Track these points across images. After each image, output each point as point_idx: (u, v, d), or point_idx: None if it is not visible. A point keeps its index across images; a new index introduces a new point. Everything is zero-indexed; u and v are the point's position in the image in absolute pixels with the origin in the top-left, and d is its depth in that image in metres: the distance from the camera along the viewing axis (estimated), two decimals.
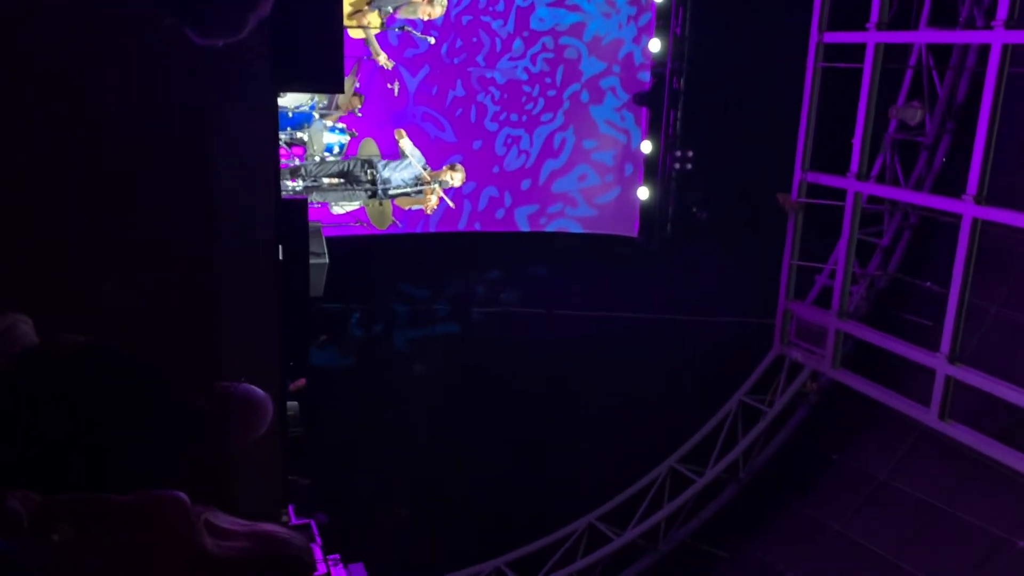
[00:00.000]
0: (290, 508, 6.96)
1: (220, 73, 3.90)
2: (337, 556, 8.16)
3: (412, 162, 7.63)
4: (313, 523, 7.57)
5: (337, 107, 8.06)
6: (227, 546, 2.11)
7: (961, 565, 7.86)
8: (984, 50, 8.22)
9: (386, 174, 7.55)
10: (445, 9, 7.67)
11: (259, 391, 2.67)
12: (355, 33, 7.38)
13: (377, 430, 9.94)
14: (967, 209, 7.91)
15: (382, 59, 7.58)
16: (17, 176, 3.51)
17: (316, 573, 6.18)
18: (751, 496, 10.12)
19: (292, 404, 7.31)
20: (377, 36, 7.66)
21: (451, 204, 8.01)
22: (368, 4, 7.29)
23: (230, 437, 2.63)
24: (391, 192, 7.60)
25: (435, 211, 8.35)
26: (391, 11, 7.42)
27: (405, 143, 7.70)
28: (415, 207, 8.04)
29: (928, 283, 9.07)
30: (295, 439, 7.10)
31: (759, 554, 9.57)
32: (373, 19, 7.26)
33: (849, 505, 9.05)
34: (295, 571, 2.22)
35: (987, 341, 8.48)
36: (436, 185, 7.66)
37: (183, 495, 2.10)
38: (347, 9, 7.11)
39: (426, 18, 7.56)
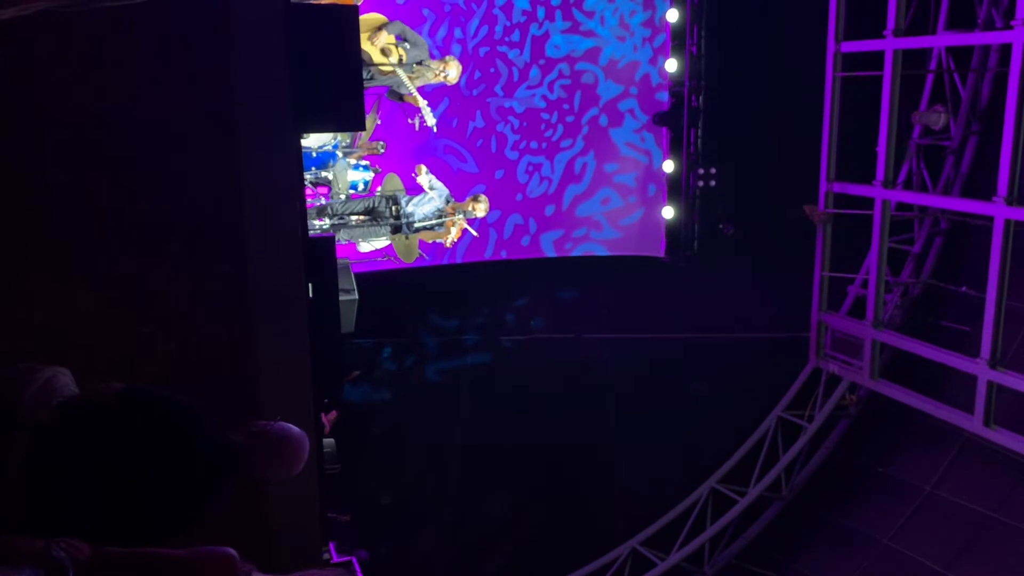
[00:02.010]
0: (331, 546, 6.95)
1: (243, 118, 3.98)
2: None
3: (434, 196, 7.68)
4: (355, 560, 7.56)
5: (361, 148, 8.14)
6: None
7: (1016, 575, 7.65)
8: (1005, 50, 8.13)
9: (409, 209, 7.61)
10: (460, 71, 7.66)
11: (295, 428, 2.69)
12: (385, 68, 7.33)
13: (414, 462, 9.93)
14: (999, 211, 7.79)
15: (419, 100, 7.46)
16: (48, 227, 3.59)
17: None
18: (796, 513, 9.95)
19: (329, 441, 7.34)
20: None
21: (474, 233, 8.02)
22: (384, 27, 7.29)
23: (268, 475, 2.64)
24: (415, 226, 7.65)
25: (459, 242, 8.38)
26: (417, 59, 7.39)
27: (424, 179, 7.75)
28: (436, 240, 8.07)
29: (964, 288, 8.93)
30: (333, 476, 7.11)
31: (807, 572, 9.39)
32: (389, 42, 7.22)
33: (897, 518, 8.87)
34: None
35: None
36: (459, 216, 7.69)
37: (232, 551, 2.11)
38: (365, 31, 7.15)
39: (443, 81, 7.57)
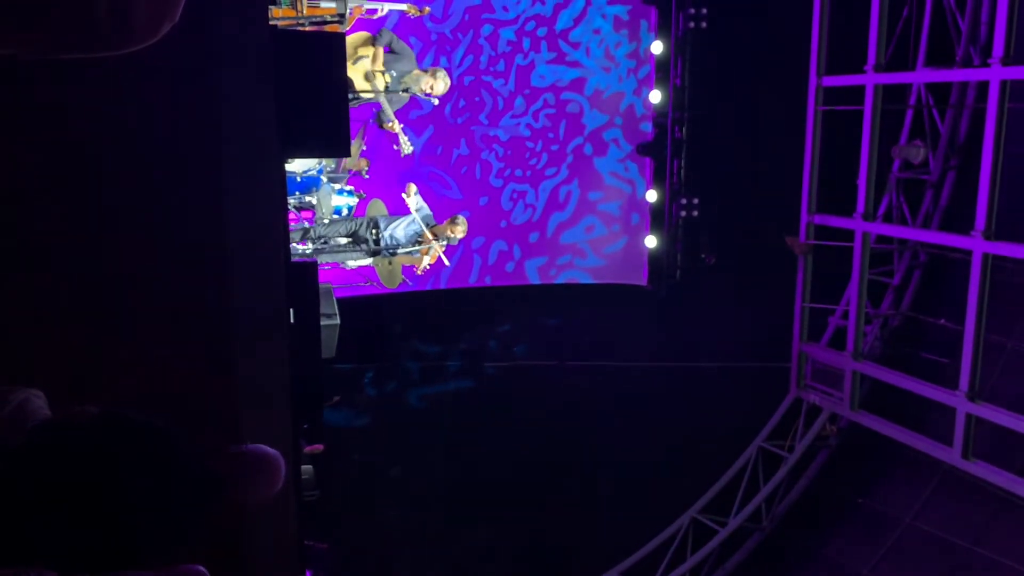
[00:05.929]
0: (308, 574, 6.87)
1: (227, 143, 3.98)
2: None
3: (415, 218, 7.68)
4: None
5: (345, 169, 8.13)
6: None
7: None
8: (983, 87, 8.29)
9: (387, 232, 7.62)
10: (448, 85, 7.67)
11: (270, 449, 2.66)
12: (367, 95, 7.38)
13: (394, 488, 9.85)
14: (977, 245, 7.89)
15: (396, 127, 7.48)
16: (24, 250, 3.57)
17: None
18: (776, 544, 9.93)
19: (306, 468, 7.26)
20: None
21: (446, 262, 7.99)
22: (371, 43, 7.31)
23: (247, 498, 2.61)
24: (396, 250, 7.66)
25: (443, 268, 8.38)
26: (396, 77, 7.43)
27: (412, 200, 7.75)
28: (411, 265, 8.04)
29: (942, 320, 9.01)
30: (311, 503, 7.04)
31: None
32: (377, 56, 7.25)
33: (876, 549, 8.87)
34: None
35: (1006, 376, 8.39)
36: (436, 244, 7.68)
37: (203, 569, 2.08)
38: (349, 53, 7.18)
39: (429, 91, 7.58)
